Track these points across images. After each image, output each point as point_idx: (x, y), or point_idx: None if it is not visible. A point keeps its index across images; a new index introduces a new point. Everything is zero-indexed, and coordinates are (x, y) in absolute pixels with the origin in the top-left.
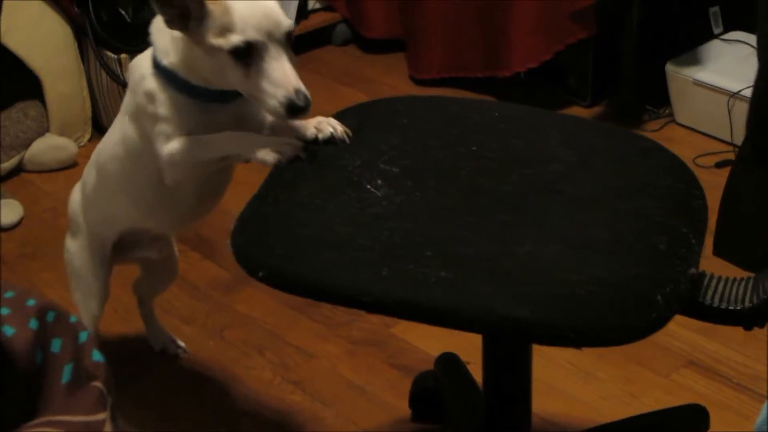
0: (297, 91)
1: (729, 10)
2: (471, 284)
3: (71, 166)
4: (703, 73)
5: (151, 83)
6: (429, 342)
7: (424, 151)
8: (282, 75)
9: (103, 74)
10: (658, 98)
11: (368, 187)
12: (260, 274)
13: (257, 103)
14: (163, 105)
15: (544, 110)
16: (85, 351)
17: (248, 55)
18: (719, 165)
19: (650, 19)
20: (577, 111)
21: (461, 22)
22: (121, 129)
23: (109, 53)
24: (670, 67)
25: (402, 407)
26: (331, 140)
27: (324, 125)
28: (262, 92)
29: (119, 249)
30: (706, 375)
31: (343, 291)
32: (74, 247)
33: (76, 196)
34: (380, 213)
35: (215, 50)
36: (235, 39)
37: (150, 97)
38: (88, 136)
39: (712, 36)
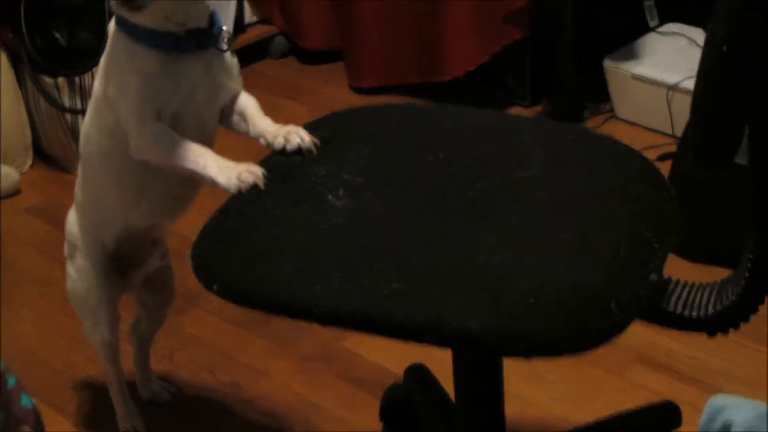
0: None
1: (663, 2)
2: (423, 295)
3: (14, 194)
4: (641, 67)
5: (113, 39)
6: (381, 354)
7: (392, 160)
8: None
9: (42, 100)
10: (598, 94)
11: (330, 197)
12: (215, 287)
13: None
14: (129, 71)
15: (518, 116)
16: (13, 397)
17: None
18: (662, 158)
19: (585, 15)
20: (517, 112)
21: (397, 29)
22: (94, 105)
23: (47, 78)
24: (608, 63)
25: (357, 421)
26: (299, 151)
27: (292, 135)
28: None
29: (122, 269)
30: (658, 370)
31: (295, 304)
32: (74, 271)
33: (71, 216)
34: (339, 224)
35: None
36: None
37: (113, 58)
38: (29, 162)
39: (648, 29)
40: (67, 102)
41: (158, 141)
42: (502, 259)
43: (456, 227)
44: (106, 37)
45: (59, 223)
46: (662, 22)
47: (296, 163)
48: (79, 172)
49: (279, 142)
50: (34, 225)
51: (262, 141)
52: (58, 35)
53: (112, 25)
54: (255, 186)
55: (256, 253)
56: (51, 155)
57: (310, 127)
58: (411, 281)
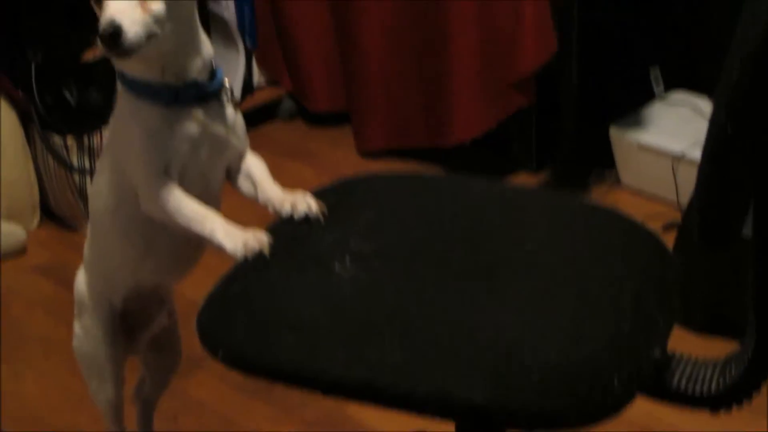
0: (110, 22)
1: (669, 70)
2: (427, 366)
3: (20, 252)
4: (647, 136)
5: (119, 98)
6: (385, 422)
7: (398, 230)
8: (110, 8)
9: (50, 158)
10: (604, 161)
11: (336, 266)
12: (220, 354)
13: None
14: (133, 126)
15: (523, 187)
16: None
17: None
18: (667, 227)
19: (591, 82)
20: (522, 177)
21: (404, 94)
22: (102, 162)
23: (55, 137)
24: (613, 131)
25: None
26: (306, 218)
27: (300, 202)
28: None
29: (129, 329)
30: None
31: (300, 374)
32: (81, 330)
33: (80, 274)
34: (345, 293)
35: (93, 5)
36: None
37: (120, 116)
38: (36, 221)
39: (653, 97)
40: (75, 161)
41: (166, 201)
42: (506, 332)
43: (460, 299)
44: (116, 96)
45: (65, 283)
46: (668, 90)
47: (303, 230)
48: (88, 229)
49: (286, 209)
50: (40, 284)
51: (269, 208)
52: (67, 94)
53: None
54: (261, 253)
55: (261, 322)
56: (58, 214)
57: (318, 194)
58: (415, 353)
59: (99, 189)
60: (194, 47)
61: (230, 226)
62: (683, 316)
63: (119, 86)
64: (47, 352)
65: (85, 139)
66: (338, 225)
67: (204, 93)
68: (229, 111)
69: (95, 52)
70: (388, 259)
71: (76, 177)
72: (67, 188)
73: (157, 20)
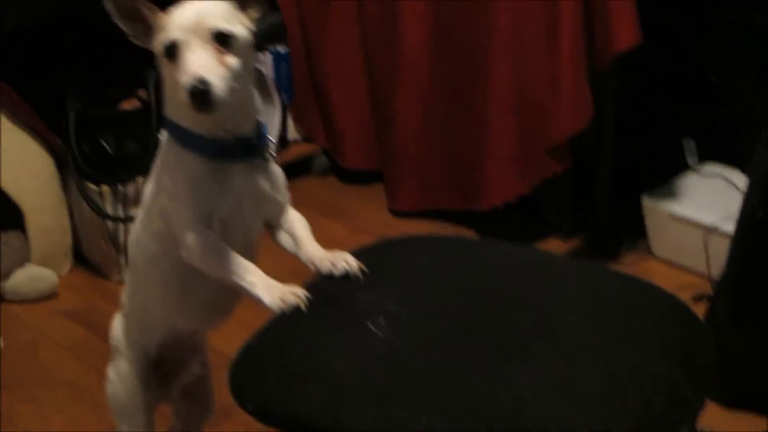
0: (198, 79)
1: (703, 142)
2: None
3: (51, 297)
4: (679, 207)
5: (164, 147)
6: None
7: (436, 294)
8: (193, 64)
9: (85, 206)
10: (635, 230)
11: (371, 326)
12: (249, 407)
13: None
14: (178, 177)
15: (560, 256)
16: None
17: (175, 53)
18: (696, 299)
19: (625, 151)
20: (554, 243)
21: (437, 157)
22: (144, 210)
23: (91, 185)
24: (646, 200)
25: None
26: (346, 276)
27: (339, 261)
28: (178, 86)
29: (163, 376)
30: None
31: (327, 431)
32: (115, 375)
33: (116, 321)
34: (378, 354)
35: (159, 58)
36: (162, 39)
37: (165, 165)
38: (68, 266)
39: (686, 168)
40: (109, 209)
41: (207, 251)
42: (534, 403)
43: (491, 366)
44: (153, 146)
45: (95, 328)
46: (701, 162)
47: (341, 288)
48: (126, 277)
49: (326, 267)
50: (70, 329)
51: (310, 265)
52: (105, 144)
53: (164, 132)
54: (298, 308)
55: (292, 377)
56: (91, 260)
57: (358, 254)
58: (443, 417)
59: (139, 237)
60: (249, 102)
61: (269, 279)
62: (712, 390)
63: (164, 135)
64: (75, 396)
65: (120, 188)
66: (376, 285)
67: (250, 147)
68: (273, 166)
69: (133, 102)
70: (422, 322)
71: (110, 225)
72: (100, 235)
73: (234, 75)
